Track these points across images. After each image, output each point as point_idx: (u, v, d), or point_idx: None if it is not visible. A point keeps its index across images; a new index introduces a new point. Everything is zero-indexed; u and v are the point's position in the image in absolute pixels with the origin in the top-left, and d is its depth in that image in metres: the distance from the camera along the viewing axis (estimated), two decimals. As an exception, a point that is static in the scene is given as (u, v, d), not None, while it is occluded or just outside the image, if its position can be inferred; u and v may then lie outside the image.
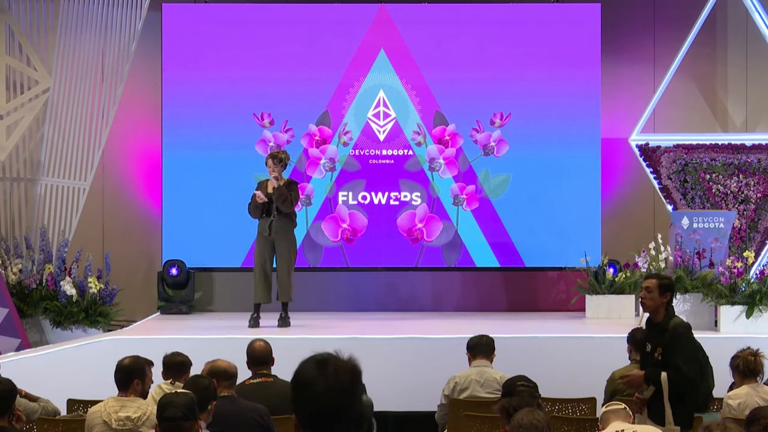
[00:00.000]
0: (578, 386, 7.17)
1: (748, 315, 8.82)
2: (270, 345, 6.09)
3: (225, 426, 4.99)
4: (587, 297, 10.36)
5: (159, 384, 5.51)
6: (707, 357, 5.68)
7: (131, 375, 5.18)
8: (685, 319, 6.00)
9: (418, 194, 11.20)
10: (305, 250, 11.14)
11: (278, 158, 9.07)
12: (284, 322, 9.16)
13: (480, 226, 11.18)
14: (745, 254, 9.35)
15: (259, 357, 5.94)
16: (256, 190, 9.10)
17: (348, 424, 2.42)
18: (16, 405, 5.06)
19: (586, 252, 10.49)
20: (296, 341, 8.18)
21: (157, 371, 5.56)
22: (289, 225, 9.14)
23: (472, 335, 6.72)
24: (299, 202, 11.09)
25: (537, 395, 4.87)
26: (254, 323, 9.09)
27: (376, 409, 6.59)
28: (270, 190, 9.06)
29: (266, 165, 9.14)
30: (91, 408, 5.22)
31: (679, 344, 5.54)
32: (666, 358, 5.55)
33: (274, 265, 9.14)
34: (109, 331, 9.57)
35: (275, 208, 9.00)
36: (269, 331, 8.53)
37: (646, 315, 5.87)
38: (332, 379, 2.41)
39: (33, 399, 6.07)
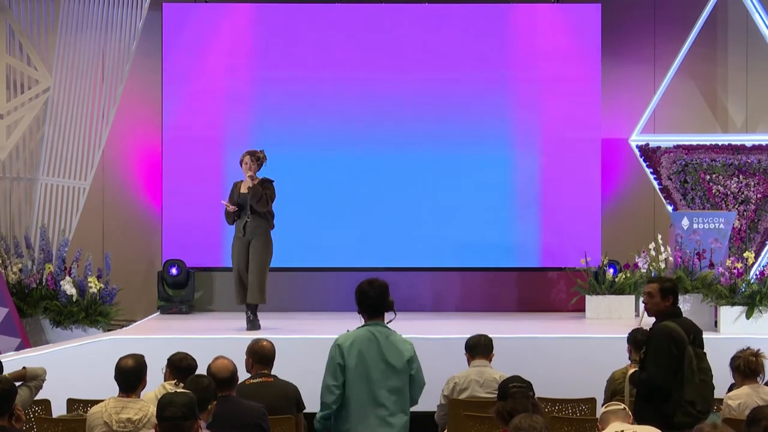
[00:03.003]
0: (578, 386, 7.17)
1: (748, 315, 8.83)
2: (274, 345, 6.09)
3: (224, 426, 4.99)
4: (587, 297, 10.36)
5: (162, 384, 5.50)
6: (695, 370, 5.45)
7: (139, 377, 5.17)
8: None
9: (419, 194, 11.19)
10: (306, 250, 11.15)
11: (255, 156, 8.82)
12: (252, 325, 8.83)
13: (480, 226, 11.16)
14: (745, 255, 9.36)
15: (267, 356, 5.93)
16: (231, 194, 8.90)
17: (383, 310, 5.26)
18: (16, 404, 5.05)
19: (586, 252, 10.49)
20: (296, 341, 8.19)
21: (159, 368, 5.58)
22: (265, 226, 8.82)
23: (471, 335, 6.72)
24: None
25: (531, 395, 4.86)
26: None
27: None
28: (244, 189, 8.83)
29: (241, 163, 8.87)
30: (92, 408, 5.20)
31: (650, 346, 5.57)
32: (644, 358, 5.63)
33: None
34: (109, 330, 9.56)
35: (249, 207, 8.75)
36: (270, 332, 8.51)
37: (646, 314, 5.86)
38: (376, 288, 5.23)
39: (19, 376, 5.80)
